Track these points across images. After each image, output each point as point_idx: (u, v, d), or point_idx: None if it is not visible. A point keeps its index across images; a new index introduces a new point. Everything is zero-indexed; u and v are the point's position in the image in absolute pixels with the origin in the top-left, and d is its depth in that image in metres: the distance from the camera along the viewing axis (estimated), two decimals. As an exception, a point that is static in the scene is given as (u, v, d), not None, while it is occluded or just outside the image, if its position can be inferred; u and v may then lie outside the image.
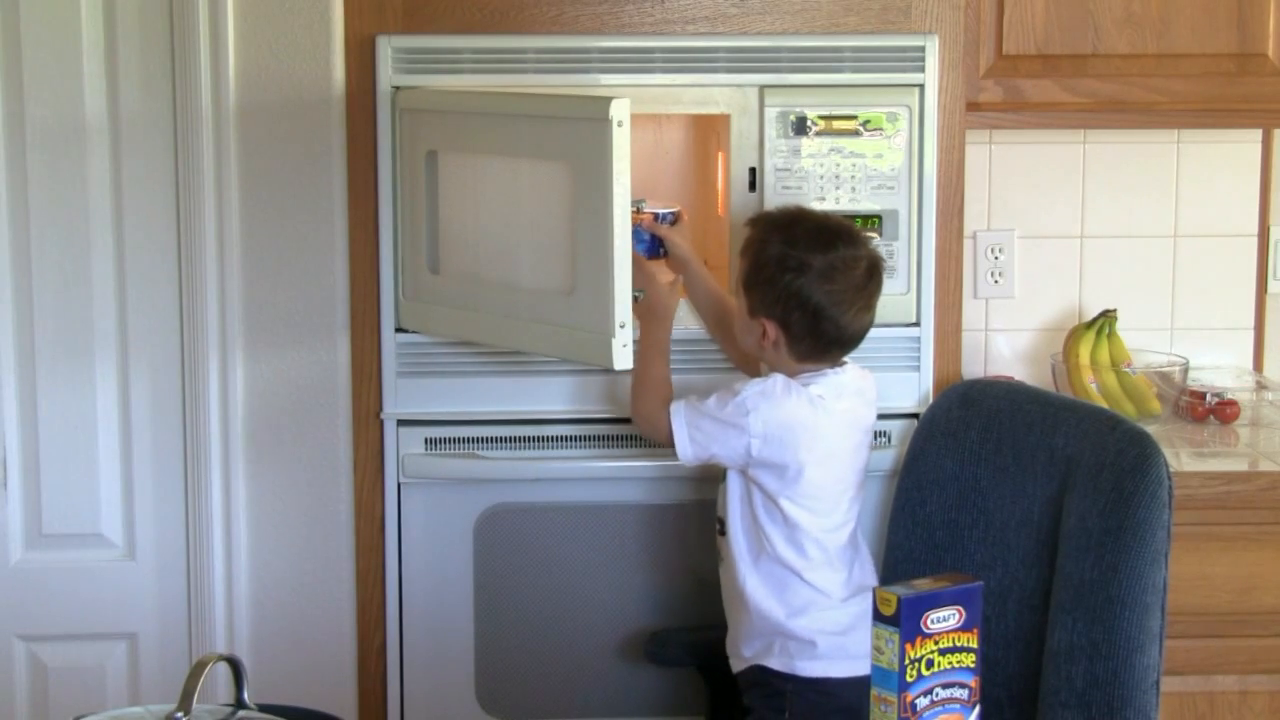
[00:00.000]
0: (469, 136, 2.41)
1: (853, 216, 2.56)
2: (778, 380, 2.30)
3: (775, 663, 2.31)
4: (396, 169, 2.51)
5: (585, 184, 2.18)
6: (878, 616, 1.62)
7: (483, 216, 2.40)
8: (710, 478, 2.59)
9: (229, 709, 1.56)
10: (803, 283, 2.26)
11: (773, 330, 2.30)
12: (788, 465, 2.27)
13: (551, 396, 2.58)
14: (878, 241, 2.55)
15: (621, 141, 2.11)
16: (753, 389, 2.29)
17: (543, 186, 2.28)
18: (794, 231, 2.31)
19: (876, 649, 1.62)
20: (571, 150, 2.20)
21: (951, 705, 1.64)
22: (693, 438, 2.31)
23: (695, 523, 2.60)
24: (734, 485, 2.35)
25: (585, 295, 2.20)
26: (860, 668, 2.26)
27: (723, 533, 2.38)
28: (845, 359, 2.36)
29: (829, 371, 2.33)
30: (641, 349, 2.35)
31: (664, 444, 2.35)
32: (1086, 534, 2.12)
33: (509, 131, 2.34)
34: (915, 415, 2.56)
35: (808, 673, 2.29)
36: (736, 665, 2.38)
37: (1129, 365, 2.84)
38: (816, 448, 2.28)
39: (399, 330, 2.56)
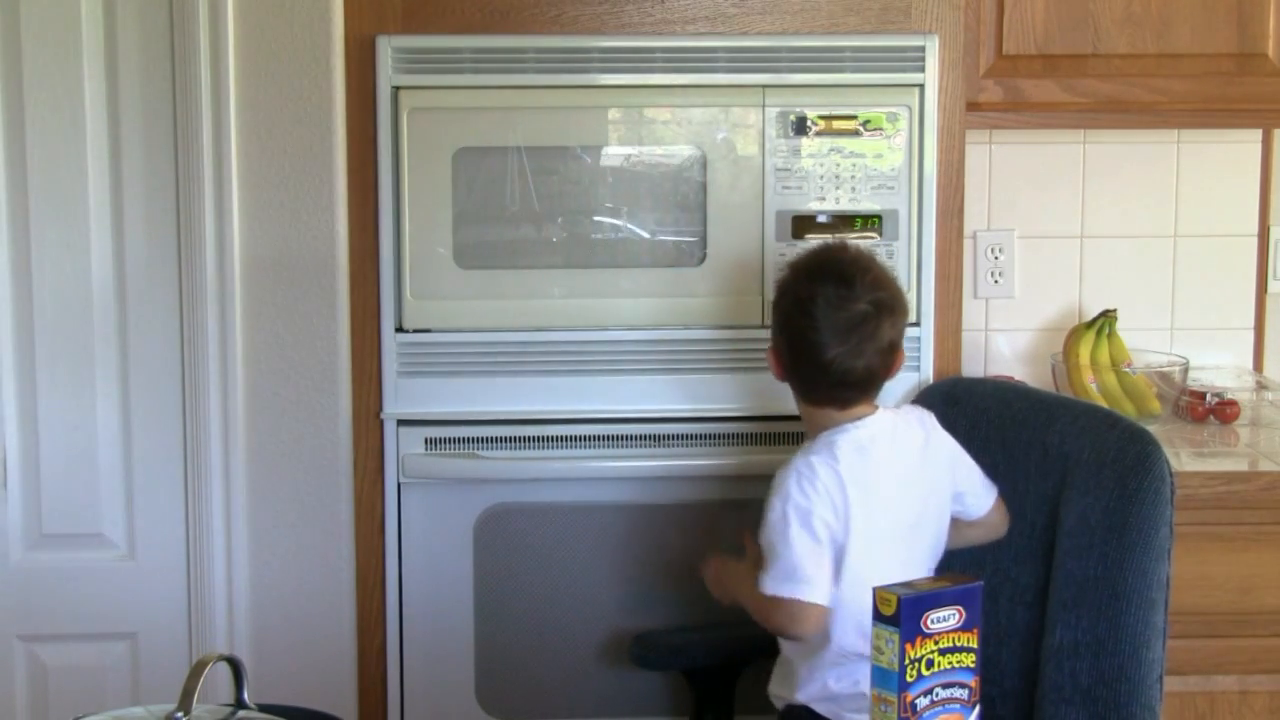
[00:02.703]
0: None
1: (853, 216, 2.57)
2: (789, 478, 2.19)
3: (822, 708, 2.25)
4: (399, 169, 2.51)
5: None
6: (878, 616, 1.62)
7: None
8: (711, 478, 2.60)
9: (229, 709, 1.56)
10: (791, 314, 2.23)
11: (773, 360, 2.29)
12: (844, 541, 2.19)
13: (551, 396, 2.58)
14: (877, 242, 2.56)
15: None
16: (773, 511, 2.17)
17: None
18: (800, 264, 2.29)
19: (876, 649, 1.62)
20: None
21: (951, 705, 1.64)
22: (807, 586, 2.15)
23: (696, 523, 2.60)
24: None
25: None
26: None
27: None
28: (872, 406, 2.25)
29: (850, 426, 2.23)
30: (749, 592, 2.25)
31: (810, 628, 2.17)
32: (1089, 531, 2.13)
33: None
34: (915, 415, 2.56)
35: None
36: (776, 703, 2.33)
37: (1129, 365, 2.84)
38: (856, 515, 2.19)
39: (399, 330, 2.56)
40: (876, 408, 2.26)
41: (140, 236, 2.55)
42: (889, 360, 2.24)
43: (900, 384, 2.57)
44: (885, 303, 2.21)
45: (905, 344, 2.40)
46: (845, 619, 2.17)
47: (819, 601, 2.15)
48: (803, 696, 2.26)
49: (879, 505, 2.20)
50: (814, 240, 2.54)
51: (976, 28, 2.64)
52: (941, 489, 2.28)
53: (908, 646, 1.60)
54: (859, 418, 2.24)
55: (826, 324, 2.19)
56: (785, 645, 2.29)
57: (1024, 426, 2.30)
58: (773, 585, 2.16)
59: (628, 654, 2.56)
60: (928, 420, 2.32)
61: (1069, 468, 2.19)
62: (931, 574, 2.24)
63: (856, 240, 2.52)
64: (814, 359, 2.21)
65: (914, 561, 2.24)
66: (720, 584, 2.36)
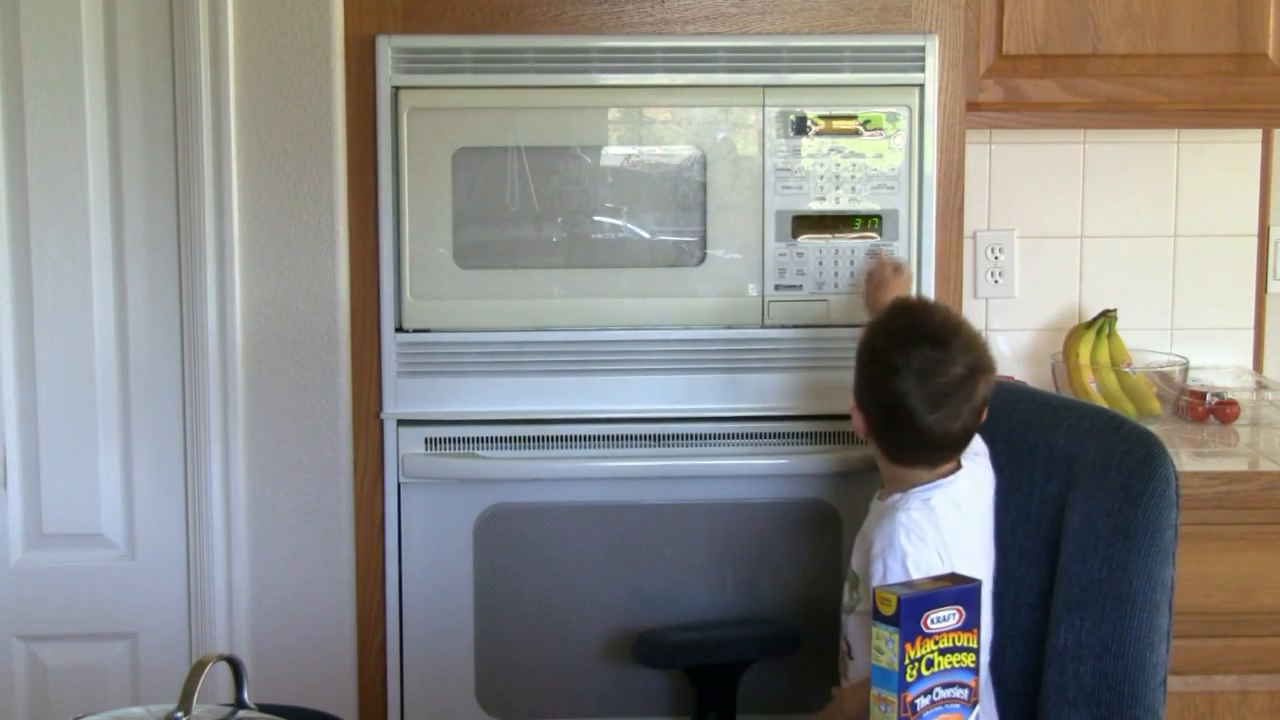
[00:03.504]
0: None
1: (853, 216, 2.57)
2: (897, 535, 2.15)
3: None
4: (399, 169, 2.51)
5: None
6: (878, 616, 1.62)
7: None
8: (711, 478, 2.60)
9: (229, 709, 1.56)
10: (882, 379, 2.18)
11: (859, 419, 2.25)
12: None
13: (551, 396, 2.58)
14: (878, 242, 2.56)
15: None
16: (891, 573, 2.12)
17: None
18: (887, 325, 2.25)
19: (876, 649, 1.62)
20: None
21: (951, 705, 1.64)
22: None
23: (696, 523, 2.60)
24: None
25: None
26: None
27: (851, 657, 2.28)
28: (952, 467, 2.23)
29: (942, 482, 2.20)
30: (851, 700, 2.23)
31: None
32: (1094, 534, 2.12)
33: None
34: (915, 415, 2.56)
35: None
36: None
37: (1129, 365, 2.84)
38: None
39: (399, 330, 2.56)
40: (960, 464, 2.25)
41: (140, 236, 2.55)
42: (980, 418, 2.21)
43: (900, 384, 2.57)
44: (980, 364, 2.18)
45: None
46: None
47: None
48: None
49: (972, 560, 2.18)
50: (814, 239, 2.54)
51: (976, 28, 2.64)
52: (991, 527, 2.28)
53: (908, 646, 1.60)
54: (946, 474, 2.22)
55: (922, 390, 2.15)
56: None
57: (1029, 428, 2.30)
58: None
59: (630, 653, 2.56)
60: (983, 460, 2.29)
61: (1074, 470, 2.19)
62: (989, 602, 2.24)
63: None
64: (910, 425, 2.17)
65: (991, 606, 2.22)
66: None
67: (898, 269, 2.52)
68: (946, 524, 2.17)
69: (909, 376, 2.15)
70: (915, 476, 2.21)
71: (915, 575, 2.11)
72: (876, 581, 2.15)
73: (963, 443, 2.21)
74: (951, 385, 2.15)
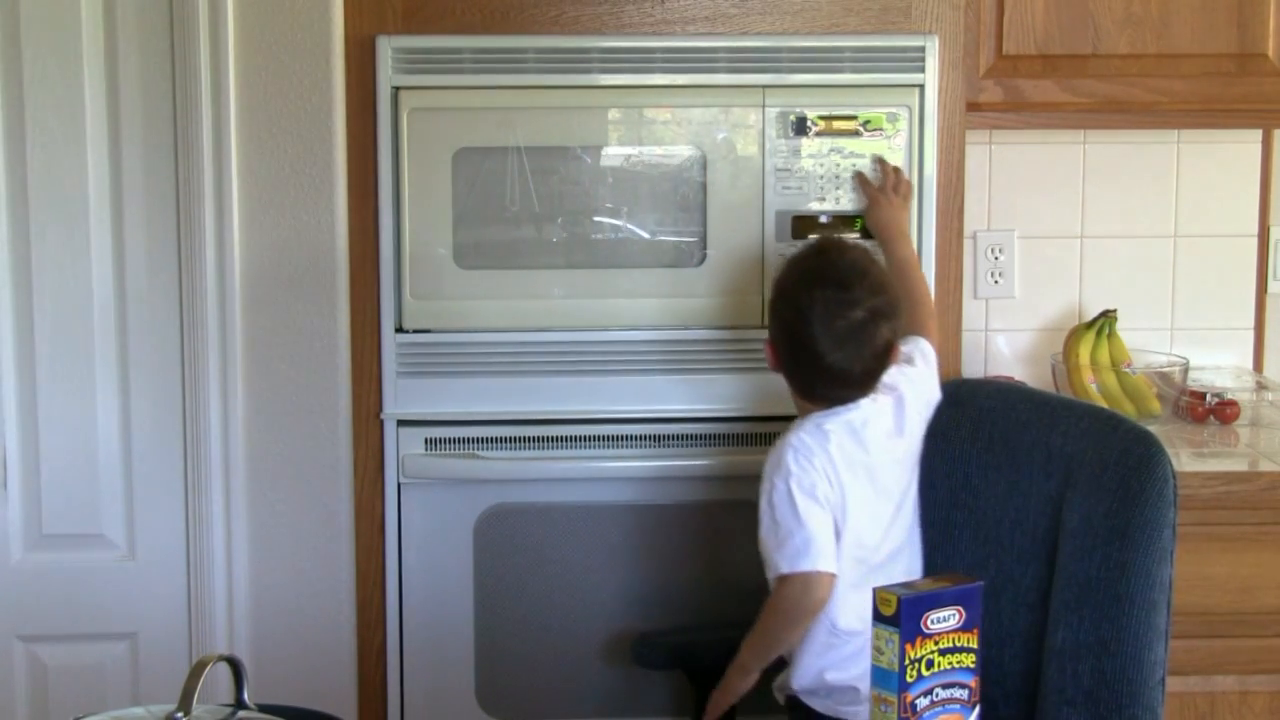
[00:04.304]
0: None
1: (853, 217, 2.57)
2: (785, 455, 2.23)
3: (818, 704, 2.29)
4: (399, 169, 2.51)
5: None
6: (878, 616, 1.62)
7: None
8: (711, 478, 2.60)
9: (229, 709, 1.56)
10: (789, 319, 2.25)
11: (770, 354, 2.31)
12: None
13: (551, 396, 2.58)
14: (878, 242, 2.55)
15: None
16: (776, 491, 2.21)
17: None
18: (798, 265, 2.31)
19: (876, 649, 1.62)
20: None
21: (951, 705, 1.64)
22: (822, 557, 2.18)
23: (696, 523, 2.60)
24: None
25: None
26: None
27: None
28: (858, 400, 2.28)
29: (840, 409, 2.27)
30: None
31: (825, 595, 2.20)
32: (1092, 533, 2.13)
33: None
34: (915, 415, 2.56)
35: (853, 717, 2.26)
36: (779, 696, 2.36)
37: (1129, 365, 2.84)
38: (851, 495, 2.23)
39: (399, 330, 2.56)
40: (868, 394, 2.30)
41: (140, 237, 2.55)
42: (885, 360, 2.26)
43: (900, 384, 2.57)
44: (882, 308, 2.24)
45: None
46: (840, 597, 2.21)
47: (833, 570, 2.19)
48: (798, 685, 2.27)
49: (871, 485, 2.25)
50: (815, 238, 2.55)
51: (976, 28, 2.64)
52: (918, 451, 2.35)
53: (908, 647, 1.60)
54: (850, 403, 2.28)
55: (825, 330, 2.21)
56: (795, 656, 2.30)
57: (1027, 428, 2.30)
58: (788, 564, 2.18)
59: (630, 653, 2.56)
60: (897, 395, 2.33)
61: (1072, 469, 2.19)
62: (913, 540, 2.33)
63: (855, 238, 2.53)
64: (812, 363, 2.24)
65: (899, 539, 2.30)
66: (722, 695, 2.32)
67: (896, 187, 2.54)
68: (838, 448, 2.23)
69: (813, 316, 2.21)
70: (814, 411, 2.28)
71: (799, 496, 2.19)
72: (764, 502, 2.23)
73: (864, 383, 2.26)
74: (853, 327, 2.21)
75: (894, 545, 2.30)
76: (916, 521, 2.36)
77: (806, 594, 2.19)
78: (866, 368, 2.24)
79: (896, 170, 2.55)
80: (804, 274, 2.28)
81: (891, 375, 2.33)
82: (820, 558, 2.18)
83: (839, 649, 2.25)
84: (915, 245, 2.57)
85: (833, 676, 2.25)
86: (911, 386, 2.34)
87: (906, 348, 2.37)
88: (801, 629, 2.22)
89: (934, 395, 2.39)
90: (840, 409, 2.27)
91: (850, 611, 2.22)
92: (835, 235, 2.52)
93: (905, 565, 2.31)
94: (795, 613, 2.21)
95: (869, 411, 2.28)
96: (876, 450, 2.27)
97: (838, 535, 2.22)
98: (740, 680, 2.29)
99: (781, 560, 2.19)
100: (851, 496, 2.22)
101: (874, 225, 2.54)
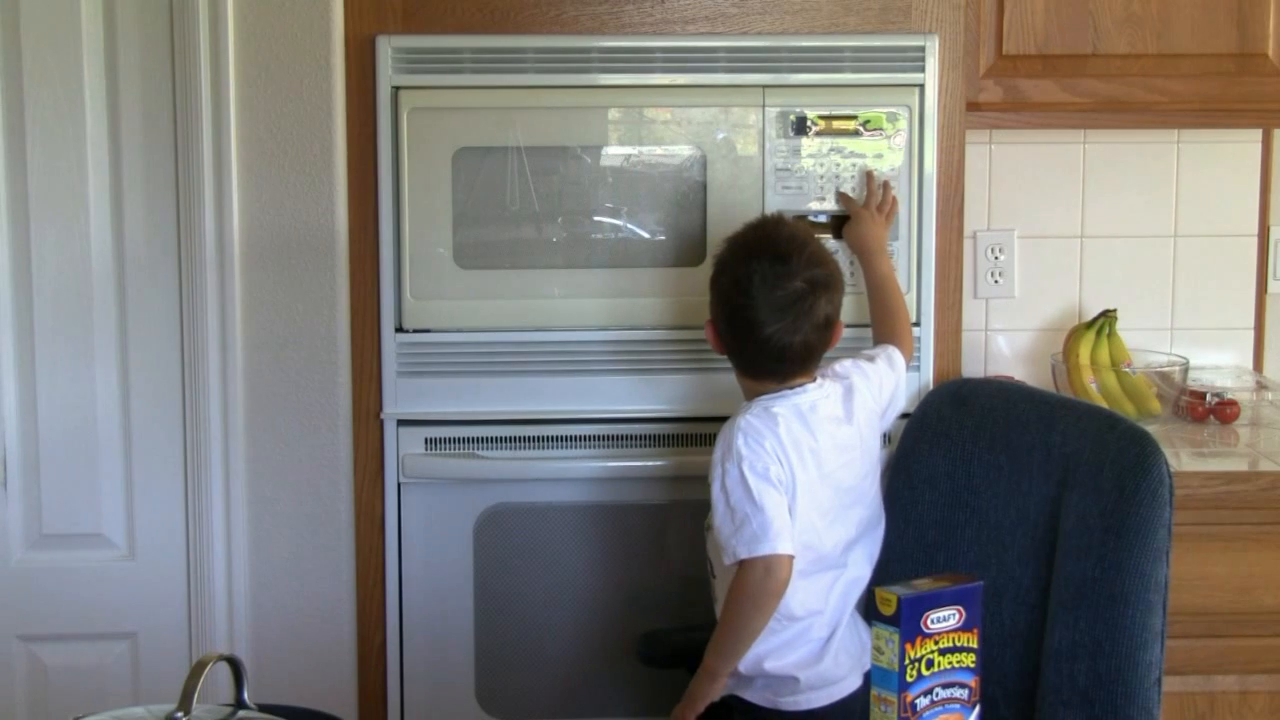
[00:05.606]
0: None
1: (853, 216, 2.57)
2: (734, 438, 2.22)
3: (756, 697, 2.28)
4: (399, 169, 2.51)
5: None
6: (878, 616, 1.62)
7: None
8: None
9: (229, 709, 1.56)
10: (728, 291, 2.25)
11: (711, 333, 2.31)
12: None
13: (551, 396, 2.58)
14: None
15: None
16: (729, 476, 2.20)
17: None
18: (738, 240, 2.30)
19: (876, 649, 1.63)
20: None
21: (951, 705, 1.64)
22: (781, 540, 2.17)
23: (696, 523, 2.60)
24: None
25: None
26: (841, 690, 2.26)
27: (714, 575, 2.34)
28: (810, 377, 2.29)
29: (789, 392, 2.27)
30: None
31: (785, 577, 2.18)
32: (1088, 533, 2.13)
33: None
34: (915, 415, 2.56)
35: (792, 707, 2.26)
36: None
37: (1129, 365, 2.84)
38: (799, 479, 2.23)
39: (399, 330, 2.56)
40: (815, 378, 2.30)
41: (140, 237, 2.55)
42: (826, 335, 2.27)
43: (900, 384, 2.57)
44: (821, 280, 2.24)
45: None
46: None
47: (791, 552, 2.18)
48: (743, 668, 2.27)
49: (819, 469, 2.24)
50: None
51: (976, 28, 2.64)
52: (875, 445, 2.34)
53: (908, 646, 1.60)
54: (797, 387, 2.27)
55: (763, 302, 2.21)
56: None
57: (1027, 428, 2.30)
58: (746, 549, 2.17)
59: (633, 652, 2.56)
60: (846, 384, 2.32)
61: (1070, 469, 2.20)
62: (871, 535, 2.33)
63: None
64: (752, 336, 2.24)
65: (849, 532, 2.29)
66: (687, 708, 2.30)
67: (881, 205, 2.54)
68: (786, 431, 2.22)
69: (750, 288, 2.21)
70: (766, 390, 2.28)
71: (752, 479, 2.18)
72: (716, 488, 2.21)
73: (805, 358, 2.26)
74: (791, 297, 2.21)
75: (843, 537, 2.28)
76: (878, 521, 2.35)
77: (769, 577, 2.17)
78: (806, 340, 2.23)
79: (885, 185, 2.54)
80: (742, 246, 2.28)
81: (845, 366, 2.34)
82: (779, 540, 2.16)
83: (779, 634, 2.24)
84: (916, 245, 2.57)
85: (771, 665, 2.25)
86: (865, 380, 2.34)
87: (874, 352, 2.39)
88: (767, 614, 2.20)
89: (895, 399, 2.39)
90: (788, 392, 2.26)
91: (792, 597, 2.21)
92: (774, 213, 2.48)
93: (855, 561, 2.30)
94: (760, 597, 2.18)
95: (815, 396, 2.27)
96: (823, 435, 2.26)
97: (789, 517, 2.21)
98: (708, 686, 2.26)
99: (740, 545, 2.17)
100: (800, 480, 2.22)
101: (852, 240, 2.54)
